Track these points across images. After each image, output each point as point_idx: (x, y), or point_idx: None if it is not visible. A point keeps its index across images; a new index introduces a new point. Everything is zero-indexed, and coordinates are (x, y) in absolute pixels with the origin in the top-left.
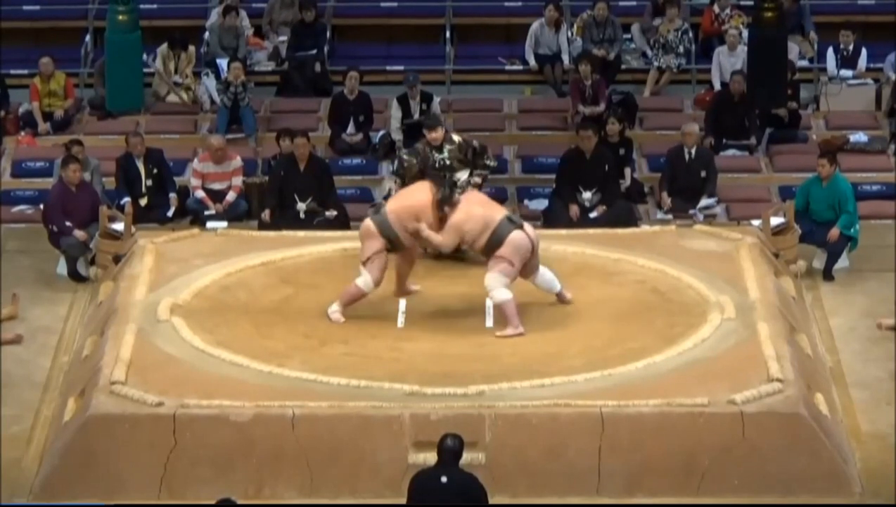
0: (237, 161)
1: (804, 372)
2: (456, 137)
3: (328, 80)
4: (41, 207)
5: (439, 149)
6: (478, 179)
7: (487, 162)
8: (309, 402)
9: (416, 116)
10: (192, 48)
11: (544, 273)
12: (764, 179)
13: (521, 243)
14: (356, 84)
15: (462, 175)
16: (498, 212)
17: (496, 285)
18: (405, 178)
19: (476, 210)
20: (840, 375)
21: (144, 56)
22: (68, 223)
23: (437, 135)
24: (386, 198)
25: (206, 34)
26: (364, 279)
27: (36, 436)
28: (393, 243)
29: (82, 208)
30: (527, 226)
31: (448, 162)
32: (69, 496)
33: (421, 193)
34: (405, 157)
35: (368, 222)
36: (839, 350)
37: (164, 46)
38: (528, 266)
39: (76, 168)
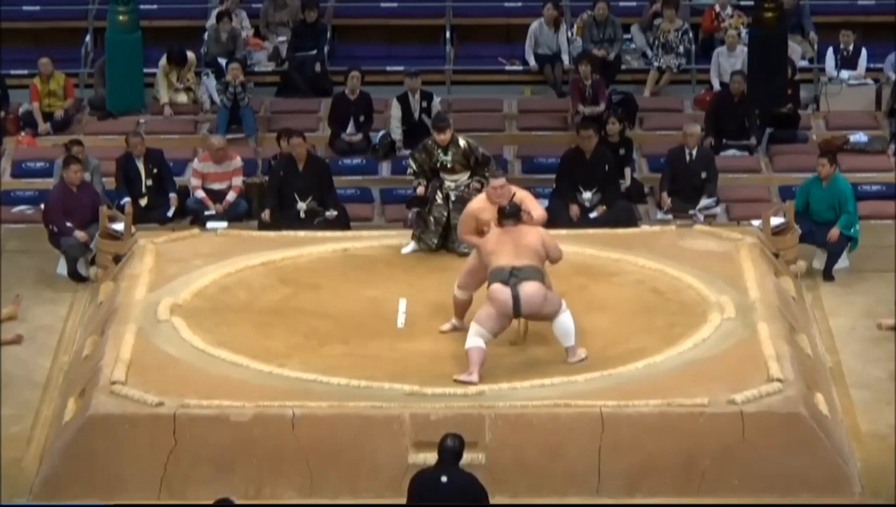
0: (237, 161)
1: (804, 372)
2: (462, 142)
3: (328, 81)
4: (41, 207)
5: (445, 150)
6: (476, 185)
7: (488, 174)
8: (309, 402)
9: (417, 114)
10: (191, 56)
11: (561, 324)
12: (764, 179)
13: (496, 297)
14: (358, 84)
15: (462, 177)
16: (513, 259)
17: (470, 331)
18: (426, 176)
19: (519, 238)
20: (840, 375)
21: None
22: (69, 224)
23: (445, 137)
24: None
25: (206, 34)
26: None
27: (36, 436)
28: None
29: (83, 209)
30: (528, 285)
31: (450, 165)
32: (69, 496)
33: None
34: (416, 155)
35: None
36: (839, 350)
37: (164, 61)
38: (537, 316)
39: (77, 168)
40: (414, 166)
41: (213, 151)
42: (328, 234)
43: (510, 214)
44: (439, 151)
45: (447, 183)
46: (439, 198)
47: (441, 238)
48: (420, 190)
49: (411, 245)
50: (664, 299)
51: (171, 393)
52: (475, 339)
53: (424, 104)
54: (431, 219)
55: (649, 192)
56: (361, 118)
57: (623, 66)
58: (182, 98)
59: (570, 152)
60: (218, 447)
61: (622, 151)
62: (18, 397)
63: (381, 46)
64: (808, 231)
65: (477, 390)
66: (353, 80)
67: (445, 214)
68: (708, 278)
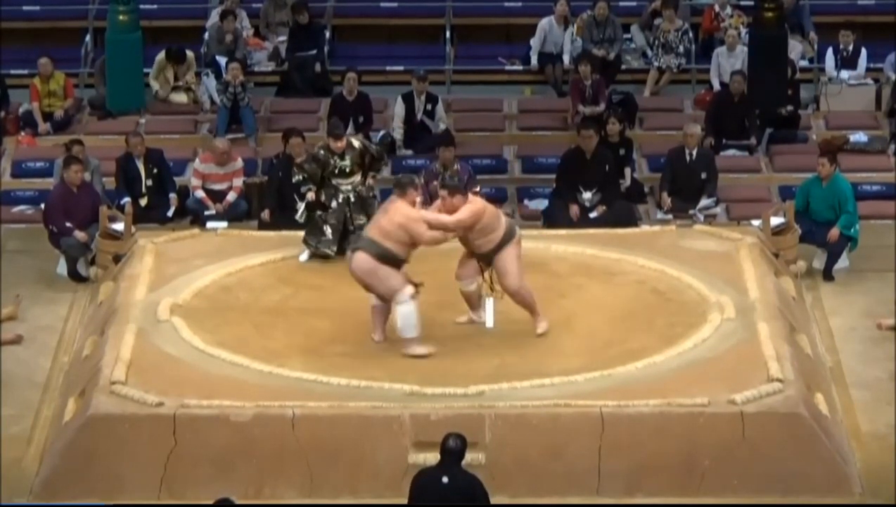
0: (238, 162)
1: (804, 372)
2: (356, 143)
3: (328, 81)
4: (42, 207)
5: (342, 156)
6: (371, 182)
7: (380, 165)
8: (309, 402)
9: (420, 115)
10: (191, 55)
11: (397, 316)
12: (764, 179)
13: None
14: (355, 85)
15: (357, 179)
16: (374, 229)
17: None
18: (316, 185)
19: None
20: (840, 375)
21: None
22: (68, 224)
23: (341, 144)
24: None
25: (206, 34)
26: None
27: (36, 436)
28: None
29: (83, 209)
30: (357, 255)
31: (348, 169)
32: (69, 496)
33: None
34: (306, 166)
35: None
36: (839, 350)
37: (161, 57)
38: (367, 289)
39: (78, 168)
40: (300, 177)
41: (216, 153)
42: None
43: (394, 184)
44: (335, 158)
45: (343, 187)
46: (335, 204)
47: (339, 243)
48: (311, 196)
49: (306, 253)
50: (664, 299)
51: (171, 393)
52: (374, 299)
53: (429, 106)
54: (328, 227)
55: (649, 192)
56: (360, 119)
57: (623, 66)
58: (182, 98)
59: (571, 152)
60: (218, 447)
61: (622, 151)
62: (18, 397)
63: (381, 46)
64: (808, 231)
65: (477, 389)
66: (349, 82)
67: (344, 216)
68: (708, 278)
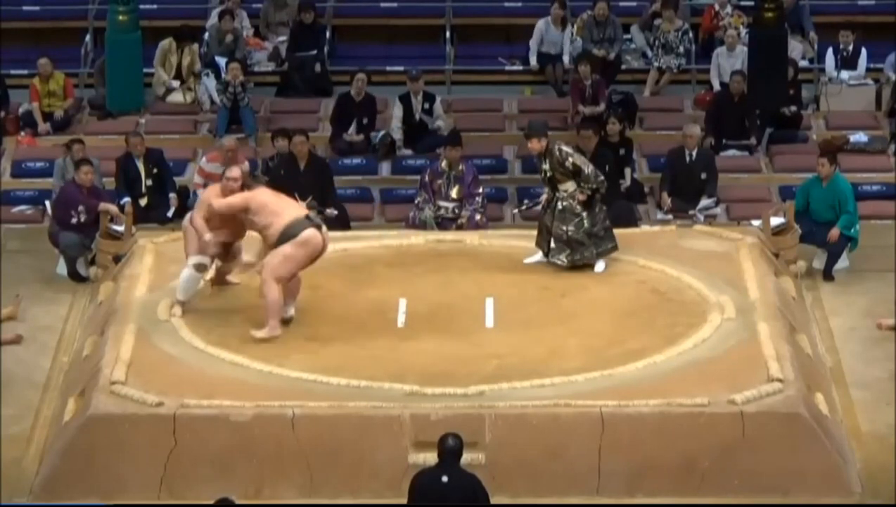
0: (245, 166)
1: (804, 372)
2: (556, 151)
3: (328, 81)
4: (42, 206)
5: (542, 159)
6: (581, 197)
7: (584, 186)
8: (309, 402)
9: (418, 115)
10: (195, 45)
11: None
12: (764, 179)
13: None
14: (364, 86)
15: (570, 186)
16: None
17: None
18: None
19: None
20: (840, 375)
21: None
22: (80, 207)
23: (532, 146)
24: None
25: (206, 34)
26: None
27: (36, 436)
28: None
29: (92, 209)
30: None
31: (548, 175)
32: (69, 496)
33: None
34: (537, 165)
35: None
36: (839, 350)
37: (167, 41)
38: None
39: (88, 170)
40: (541, 175)
41: (223, 152)
42: (328, 234)
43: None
44: (539, 159)
45: (559, 192)
46: (550, 206)
47: (546, 244)
48: (543, 197)
49: (536, 256)
50: (664, 299)
51: (171, 393)
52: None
53: (426, 105)
54: (543, 226)
55: (649, 192)
56: (365, 120)
57: (623, 66)
58: (182, 98)
59: None
60: (218, 447)
61: (622, 151)
62: (18, 397)
63: (381, 46)
64: (808, 231)
65: (477, 389)
66: (358, 83)
67: (549, 222)
68: (708, 278)
